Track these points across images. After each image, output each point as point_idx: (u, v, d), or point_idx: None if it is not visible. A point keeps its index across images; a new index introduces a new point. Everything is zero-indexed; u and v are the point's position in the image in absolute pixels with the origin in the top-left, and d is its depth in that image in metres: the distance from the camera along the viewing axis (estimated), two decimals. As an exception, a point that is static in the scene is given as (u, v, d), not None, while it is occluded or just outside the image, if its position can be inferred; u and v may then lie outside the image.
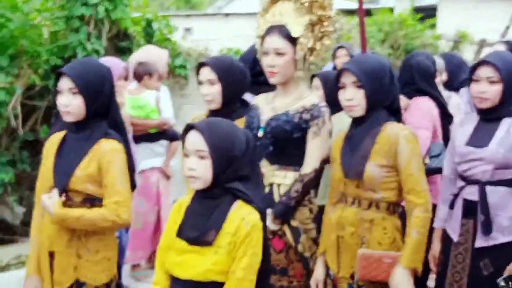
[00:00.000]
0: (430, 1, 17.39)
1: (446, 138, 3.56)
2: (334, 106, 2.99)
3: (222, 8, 25.14)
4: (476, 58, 8.84)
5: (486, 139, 2.86)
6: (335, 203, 2.81)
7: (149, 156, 4.69)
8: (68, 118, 2.65)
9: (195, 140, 2.15)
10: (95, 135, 2.66)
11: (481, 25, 13.40)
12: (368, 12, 10.40)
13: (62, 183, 2.61)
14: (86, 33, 5.51)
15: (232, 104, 3.17)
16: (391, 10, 11.13)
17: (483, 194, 2.82)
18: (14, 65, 5.13)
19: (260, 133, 2.92)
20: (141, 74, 4.71)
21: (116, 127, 2.74)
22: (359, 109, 2.66)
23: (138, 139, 4.48)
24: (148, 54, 4.92)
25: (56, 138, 2.76)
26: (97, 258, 2.64)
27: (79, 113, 2.63)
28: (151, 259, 4.73)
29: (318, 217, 2.92)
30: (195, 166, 2.14)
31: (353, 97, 2.65)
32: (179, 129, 3.04)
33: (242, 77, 3.23)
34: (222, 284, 2.13)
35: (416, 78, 3.74)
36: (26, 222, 5.16)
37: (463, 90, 4.64)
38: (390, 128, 2.65)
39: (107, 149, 2.62)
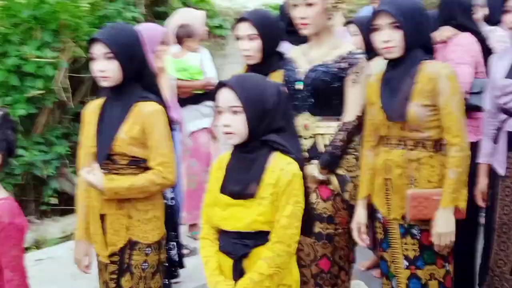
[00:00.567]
0: None
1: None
2: (373, 51, 2.97)
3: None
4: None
5: None
6: (374, 146, 2.82)
7: (197, 118, 4.74)
8: (105, 83, 2.68)
9: (227, 96, 2.19)
10: (133, 98, 2.69)
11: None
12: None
13: (106, 147, 2.66)
14: (123, 1, 5.56)
15: (270, 58, 3.17)
16: None
17: None
18: (57, 40, 5.24)
19: (300, 86, 2.94)
20: (182, 36, 4.73)
21: (152, 89, 2.77)
22: (397, 50, 2.64)
23: (185, 101, 4.54)
24: (185, 16, 4.92)
25: (94, 105, 2.80)
26: (147, 217, 2.71)
27: (116, 77, 2.65)
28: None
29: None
30: (230, 122, 2.19)
31: (391, 39, 2.63)
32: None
33: (279, 31, 3.24)
34: (268, 233, 2.20)
35: (456, 14, 3.67)
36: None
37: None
38: (430, 67, 2.63)
39: (149, 111, 2.66)
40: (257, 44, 3.10)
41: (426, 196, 2.62)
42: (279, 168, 2.20)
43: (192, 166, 4.68)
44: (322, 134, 2.92)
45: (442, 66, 2.65)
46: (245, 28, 3.10)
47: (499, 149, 2.93)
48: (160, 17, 5.96)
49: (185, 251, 4.31)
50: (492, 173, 3.01)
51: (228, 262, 2.26)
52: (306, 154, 2.90)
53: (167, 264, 3.10)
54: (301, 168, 2.25)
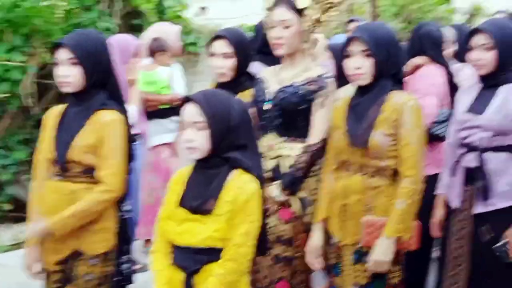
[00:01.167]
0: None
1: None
2: (345, 77, 3.00)
3: (237, -13, 25.03)
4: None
5: (484, 106, 2.88)
6: (334, 170, 2.82)
7: (160, 132, 4.72)
8: (67, 89, 2.66)
9: (192, 111, 2.19)
10: (94, 106, 2.66)
11: (497, -1, 13.21)
12: (382, -13, 10.31)
13: (61, 154, 2.63)
14: (99, 11, 5.54)
15: (240, 78, 3.19)
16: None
17: (481, 161, 2.84)
18: (28, 44, 5.18)
19: (268, 106, 2.94)
20: (155, 50, 4.73)
21: (116, 98, 2.74)
22: (367, 77, 2.66)
23: (150, 114, 4.52)
24: (161, 30, 4.93)
25: (55, 111, 2.78)
26: (96, 228, 2.66)
27: (78, 83, 2.63)
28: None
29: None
30: (193, 137, 2.18)
31: (361, 65, 2.65)
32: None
33: (251, 51, 3.27)
34: (222, 250, 2.18)
35: (426, 47, 3.74)
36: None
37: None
38: (397, 97, 2.66)
39: (107, 120, 2.64)
40: (231, 62, 3.11)
41: (381, 224, 2.62)
42: (238, 185, 2.19)
43: (151, 180, 4.64)
44: (286, 155, 2.92)
45: (408, 98, 2.68)
46: (221, 46, 3.10)
47: (455, 182, 2.97)
48: (135, 29, 5.94)
49: (136, 266, 4.24)
50: (448, 205, 3.04)
51: (180, 277, 2.23)
52: (270, 174, 2.90)
53: (119, 278, 3.03)
54: (261, 187, 2.24)
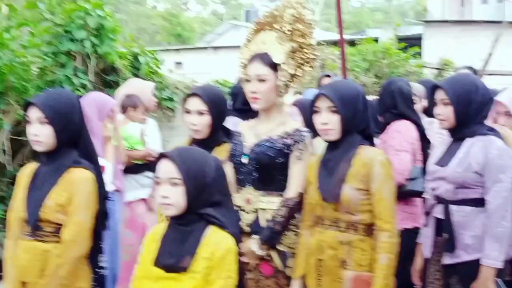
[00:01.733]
0: (414, 31, 17.68)
1: (425, 162, 3.63)
2: (313, 131, 3.05)
3: (212, 42, 25.39)
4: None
5: (450, 158, 2.95)
6: (311, 226, 2.85)
7: (134, 188, 4.70)
8: (38, 148, 2.68)
9: (168, 168, 2.21)
10: (65, 164, 2.68)
11: (465, 53, 13.61)
12: (353, 43, 10.57)
13: (34, 214, 2.63)
14: (73, 68, 5.57)
15: (216, 133, 3.21)
16: (376, 40, 11.30)
17: (447, 213, 2.89)
18: (1, 102, 5.17)
19: (245, 160, 2.97)
20: (126, 106, 4.76)
21: (88, 156, 2.76)
22: (334, 133, 2.73)
23: (124, 171, 4.51)
24: (133, 86, 4.97)
25: (28, 169, 2.79)
26: None
27: (49, 142, 2.66)
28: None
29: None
30: (168, 194, 2.20)
31: (328, 121, 2.71)
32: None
33: (226, 107, 3.31)
34: None
35: (398, 103, 3.82)
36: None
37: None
38: (366, 152, 2.71)
39: (77, 178, 2.65)
40: (206, 119, 3.13)
41: (366, 278, 2.64)
42: (214, 242, 2.20)
43: (127, 236, 4.59)
44: (264, 209, 2.94)
45: (377, 152, 2.74)
46: (195, 104, 3.13)
47: (428, 232, 3.01)
48: (110, 85, 5.97)
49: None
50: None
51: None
52: (248, 229, 2.91)
53: None
54: (237, 243, 2.25)
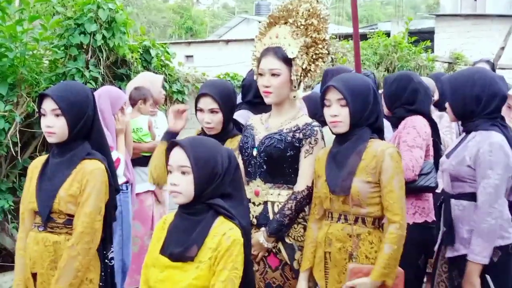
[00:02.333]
0: (426, 25, 17.58)
1: (437, 157, 3.63)
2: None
3: (222, 36, 25.38)
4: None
5: (453, 151, 2.99)
6: (319, 219, 2.86)
7: (143, 180, 4.70)
8: (51, 140, 2.70)
9: (178, 156, 2.21)
10: (77, 156, 2.70)
11: (477, 48, 13.53)
12: (364, 36, 10.52)
13: (47, 205, 2.65)
14: (84, 61, 5.59)
15: (228, 127, 3.25)
16: (387, 34, 11.25)
17: (446, 206, 2.93)
18: (13, 94, 5.21)
19: (255, 152, 2.98)
20: (136, 99, 4.78)
21: (100, 149, 2.78)
22: (343, 125, 2.72)
23: (132, 163, 4.53)
24: (142, 79, 4.99)
25: (39, 161, 2.81)
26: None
27: (62, 134, 2.68)
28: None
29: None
30: (178, 182, 2.20)
31: (338, 114, 2.71)
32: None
33: (235, 101, 3.33)
34: None
35: (418, 99, 3.73)
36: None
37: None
38: (376, 145, 2.71)
39: (90, 169, 2.67)
40: (218, 117, 3.17)
41: (366, 271, 2.64)
42: (221, 233, 2.20)
43: (135, 228, 4.62)
44: (272, 202, 2.95)
45: (387, 145, 2.73)
46: (207, 103, 3.16)
47: (440, 225, 3.06)
48: (120, 78, 5.99)
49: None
50: None
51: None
52: (255, 221, 2.92)
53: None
54: (245, 235, 2.24)
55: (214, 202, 2.23)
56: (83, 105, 2.72)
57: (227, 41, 20.48)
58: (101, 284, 2.76)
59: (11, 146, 5.17)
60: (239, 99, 3.81)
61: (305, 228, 2.94)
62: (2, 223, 5.38)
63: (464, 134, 3.06)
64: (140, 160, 4.72)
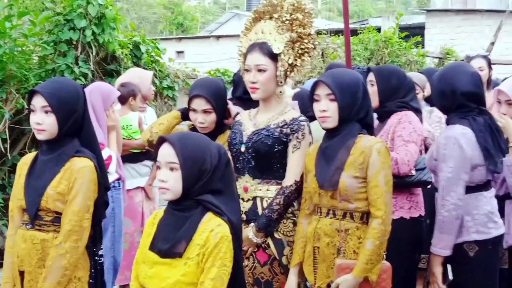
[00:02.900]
0: (417, 20, 17.61)
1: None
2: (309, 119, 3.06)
3: (214, 31, 25.31)
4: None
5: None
6: (309, 214, 2.86)
7: (133, 176, 4.72)
8: (40, 137, 2.67)
9: (166, 152, 2.20)
10: (66, 154, 2.68)
11: (467, 43, 13.58)
12: (355, 32, 10.53)
13: (35, 202, 2.63)
14: (74, 57, 5.57)
15: (220, 124, 3.27)
16: (378, 29, 11.26)
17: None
18: (2, 90, 5.17)
19: (243, 148, 2.98)
20: (125, 95, 4.74)
21: (89, 146, 2.76)
22: (332, 120, 2.72)
23: (122, 159, 4.52)
24: (132, 75, 4.95)
25: (28, 158, 2.79)
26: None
27: (52, 131, 2.65)
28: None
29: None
30: (166, 178, 2.19)
31: (327, 109, 2.71)
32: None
33: (226, 98, 3.34)
34: None
35: (413, 96, 3.74)
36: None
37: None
38: (364, 141, 2.71)
39: (78, 167, 2.65)
40: (212, 116, 3.19)
41: (354, 267, 2.63)
42: (209, 229, 2.19)
43: (125, 225, 4.60)
44: (261, 197, 2.95)
45: (375, 141, 2.73)
46: (201, 104, 3.17)
47: None
48: (110, 74, 5.97)
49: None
50: None
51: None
52: (244, 217, 2.92)
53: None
54: (235, 231, 2.24)
55: (203, 198, 2.22)
56: (74, 102, 2.69)
57: (218, 37, 20.43)
58: (90, 281, 2.74)
59: (0, 142, 5.14)
60: (229, 95, 3.81)
61: (294, 223, 2.94)
62: (-9, 220, 5.35)
63: None
64: (129, 156, 4.71)
